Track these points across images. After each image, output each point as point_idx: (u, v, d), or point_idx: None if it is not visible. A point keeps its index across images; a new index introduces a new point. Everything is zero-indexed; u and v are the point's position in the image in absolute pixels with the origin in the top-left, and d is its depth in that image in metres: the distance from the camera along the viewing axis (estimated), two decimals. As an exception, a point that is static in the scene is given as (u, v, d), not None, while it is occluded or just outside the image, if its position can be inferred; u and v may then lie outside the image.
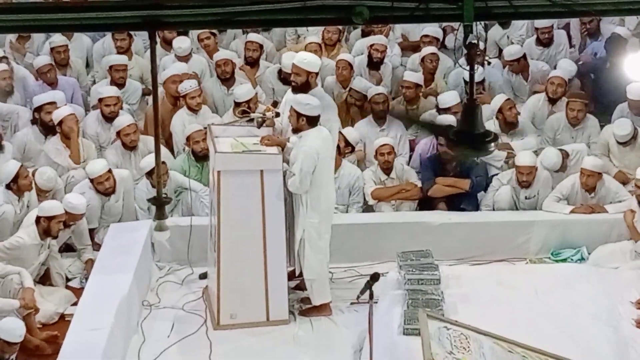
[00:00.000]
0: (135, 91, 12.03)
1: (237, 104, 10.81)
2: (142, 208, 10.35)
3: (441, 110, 11.18)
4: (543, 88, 11.74)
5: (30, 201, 10.03)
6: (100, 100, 11.24)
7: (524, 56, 12.19)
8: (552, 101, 11.46)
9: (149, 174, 10.05)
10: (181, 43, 12.22)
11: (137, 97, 12.02)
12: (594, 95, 11.90)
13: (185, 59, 12.18)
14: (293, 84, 9.27)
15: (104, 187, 10.15)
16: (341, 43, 12.88)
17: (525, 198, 10.40)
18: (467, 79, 11.09)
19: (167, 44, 12.55)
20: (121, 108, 11.27)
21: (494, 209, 10.47)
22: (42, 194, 10.12)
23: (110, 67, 11.91)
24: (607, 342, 8.19)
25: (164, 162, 9.78)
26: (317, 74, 9.32)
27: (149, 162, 9.81)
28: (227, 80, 11.84)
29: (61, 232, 9.59)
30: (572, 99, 11.14)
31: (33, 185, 10.07)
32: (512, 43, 12.73)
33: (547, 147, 10.77)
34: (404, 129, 11.23)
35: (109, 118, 11.08)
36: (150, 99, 11.76)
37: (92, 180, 10.15)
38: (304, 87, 9.15)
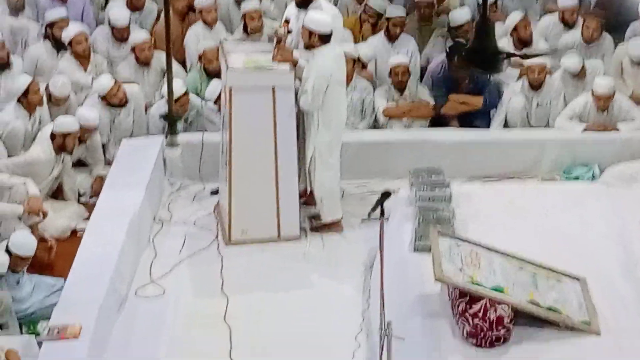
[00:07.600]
0: (150, 13, 11.86)
1: (244, 20, 10.81)
2: (157, 127, 10.30)
3: (452, 29, 11.08)
4: (556, 7, 11.61)
5: (42, 117, 10.00)
6: (112, 27, 11.13)
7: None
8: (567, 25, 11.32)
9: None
10: None
11: (153, 19, 11.83)
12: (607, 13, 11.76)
13: None
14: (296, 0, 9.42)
15: (117, 98, 10.12)
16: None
17: (537, 105, 10.37)
18: None
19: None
20: None
21: (506, 118, 10.45)
22: (56, 105, 10.08)
23: None
24: (617, 261, 8.18)
25: (186, 94, 9.96)
26: None
27: (176, 88, 9.86)
28: None
29: (76, 147, 9.61)
30: (589, 17, 11.02)
31: (45, 100, 10.03)
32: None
33: (568, 52, 10.71)
34: (416, 47, 11.12)
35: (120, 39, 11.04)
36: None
37: (104, 97, 10.12)
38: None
